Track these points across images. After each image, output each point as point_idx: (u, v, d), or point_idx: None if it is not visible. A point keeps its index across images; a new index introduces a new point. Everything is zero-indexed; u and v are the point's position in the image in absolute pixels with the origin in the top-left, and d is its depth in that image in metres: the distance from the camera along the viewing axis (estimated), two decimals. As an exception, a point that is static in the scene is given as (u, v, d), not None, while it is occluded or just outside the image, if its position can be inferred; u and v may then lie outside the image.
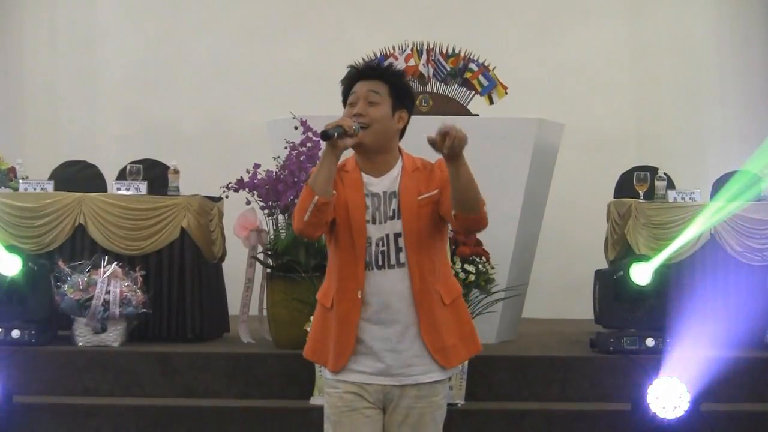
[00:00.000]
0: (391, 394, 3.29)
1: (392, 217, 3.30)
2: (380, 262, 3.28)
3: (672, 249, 6.53)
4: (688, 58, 9.64)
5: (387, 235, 3.28)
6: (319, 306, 3.41)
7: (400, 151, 3.40)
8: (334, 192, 3.24)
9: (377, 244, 3.28)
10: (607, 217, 7.25)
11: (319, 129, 7.38)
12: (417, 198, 3.29)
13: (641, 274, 6.29)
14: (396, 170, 3.34)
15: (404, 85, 3.40)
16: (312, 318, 3.48)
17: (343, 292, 3.30)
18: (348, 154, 3.36)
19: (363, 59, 7.08)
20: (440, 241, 3.35)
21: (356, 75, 3.37)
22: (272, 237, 6.58)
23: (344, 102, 3.40)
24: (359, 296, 3.26)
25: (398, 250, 3.28)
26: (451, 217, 3.24)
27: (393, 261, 3.28)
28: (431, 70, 7.11)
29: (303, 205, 3.20)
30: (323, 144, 3.21)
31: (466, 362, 5.67)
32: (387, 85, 3.33)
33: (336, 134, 3.20)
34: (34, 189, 6.83)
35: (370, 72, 3.37)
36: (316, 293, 5.99)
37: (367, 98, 3.30)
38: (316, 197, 3.17)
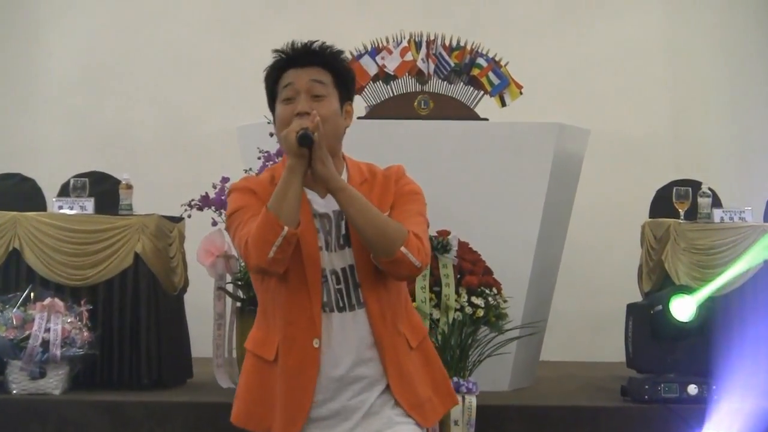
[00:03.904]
0: None
1: (343, 246, 3.15)
2: (341, 303, 3.14)
3: (724, 279, 6.51)
4: (733, 53, 9.69)
5: (342, 269, 3.14)
6: (254, 358, 3.22)
7: (343, 157, 3.24)
8: (299, 219, 3.05)
9: (333, 279, 3.14)
10: (641, 241, 7.26)
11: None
12: None
13: (683, 308, 6.26)
14: None
15: (348, 69, 3.23)
16: (240, 374, 3.25)
17: (292, 340, 3.13)
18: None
19: (351, 53, 7.08)
20: None
21: (287, 62, 3.17)
22: (242, 264, 6.53)
23: (271, 99, 3.22)
24: (316, 346, 3.12)
25: (356, 286, 3.14)
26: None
27: (353, 301, 3.15)
28: (432, 66, 7.09)
29: (266, 238, 2.99)
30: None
31: (474, 412, 5.66)
32: (330, 72, 3.15)
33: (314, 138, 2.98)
34: (-39, 207, 6.79)
35: (307, 57, 3.16)
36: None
37: (310, 91, 3.12)
38: (286, 229, 2.97)
